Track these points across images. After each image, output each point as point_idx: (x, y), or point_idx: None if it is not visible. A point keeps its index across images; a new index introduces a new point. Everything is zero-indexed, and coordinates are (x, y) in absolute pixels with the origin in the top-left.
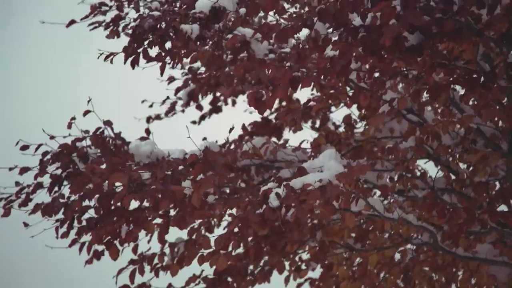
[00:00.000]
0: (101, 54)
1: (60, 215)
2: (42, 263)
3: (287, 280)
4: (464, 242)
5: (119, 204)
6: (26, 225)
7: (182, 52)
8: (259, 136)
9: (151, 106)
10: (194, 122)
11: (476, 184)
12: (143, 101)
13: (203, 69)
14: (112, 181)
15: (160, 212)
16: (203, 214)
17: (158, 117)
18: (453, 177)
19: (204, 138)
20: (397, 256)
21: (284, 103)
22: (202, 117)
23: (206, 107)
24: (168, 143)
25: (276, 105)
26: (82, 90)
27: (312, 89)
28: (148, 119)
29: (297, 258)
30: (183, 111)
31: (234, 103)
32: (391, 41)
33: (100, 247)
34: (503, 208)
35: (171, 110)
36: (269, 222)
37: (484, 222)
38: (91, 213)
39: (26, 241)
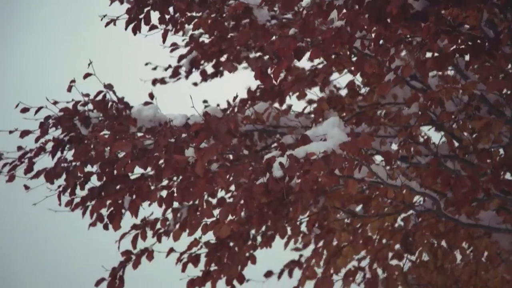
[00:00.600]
0: (104, 16)
1: (62, 182)
2: (42, 263)
3: (286, 245)
4: (467, 209)
5: (122, 170)
6: (27, 188)
7: (184, 18)
8: (262, 101)
9: (154, 68)
10: (195, 84)
11: (480, 151)
12: (146, 64)
13: (205, 36)
14: (115, 149)
15: (164, 183)
16: (207, 185)
17: (163, 80)
18: (456, 144)
19: (205, 101)
20: (399, 223)
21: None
22: (204, 79)
23: (209, 70)
24: (171, 107)
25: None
26: (84, 56)
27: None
28: (154, 82)
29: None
30: (186, 77)
31: (235, 69)
32: (397, 9)
33: (103, 212)
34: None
35: (176, 75)
36: (273, 193)
37: (488, 190)
38: (93, 180)
39: (25, 240)
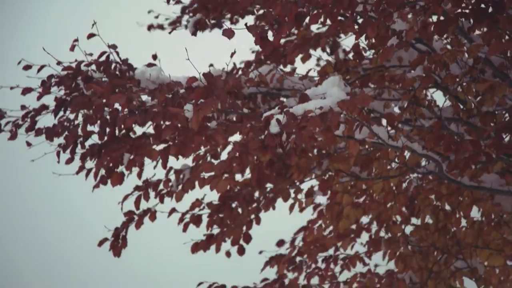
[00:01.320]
0: None
1: (63, 141)
2: (43, 262)
3: (291, 208)
4: (470, 171)
5: (123, 130)
6: (29, 144)
7: None
8: (267, 63)
9: (156, 17)
10: (194, 34)
11: (484, 113)
12: (149, 11)
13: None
14: (112, 102)
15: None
16: (203, 140)
17: (161, 26)
18: (461, 106)
19: (211, 65)
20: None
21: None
22: (201, 29)
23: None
24: (177, 71)
25: None
26: (87, 17)
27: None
28: (149, 27)
29: (304, 186)
30: (194, 34)
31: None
32: None
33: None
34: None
35: (175, 23)
36: (269, 149)
37: (489, 155)
38: (94, 139)
39: (26, 240)
